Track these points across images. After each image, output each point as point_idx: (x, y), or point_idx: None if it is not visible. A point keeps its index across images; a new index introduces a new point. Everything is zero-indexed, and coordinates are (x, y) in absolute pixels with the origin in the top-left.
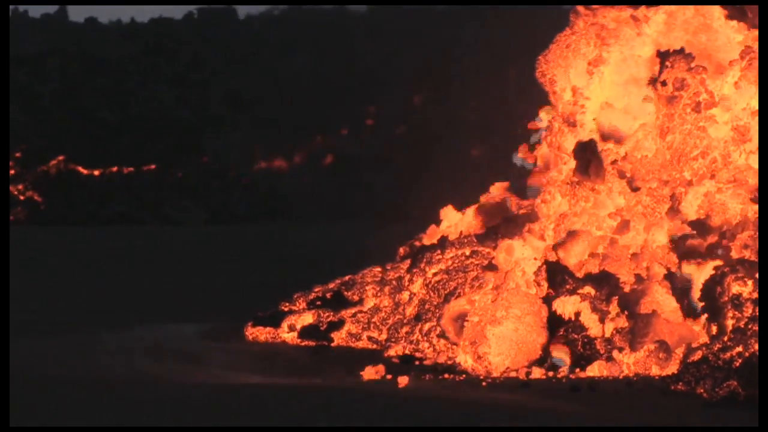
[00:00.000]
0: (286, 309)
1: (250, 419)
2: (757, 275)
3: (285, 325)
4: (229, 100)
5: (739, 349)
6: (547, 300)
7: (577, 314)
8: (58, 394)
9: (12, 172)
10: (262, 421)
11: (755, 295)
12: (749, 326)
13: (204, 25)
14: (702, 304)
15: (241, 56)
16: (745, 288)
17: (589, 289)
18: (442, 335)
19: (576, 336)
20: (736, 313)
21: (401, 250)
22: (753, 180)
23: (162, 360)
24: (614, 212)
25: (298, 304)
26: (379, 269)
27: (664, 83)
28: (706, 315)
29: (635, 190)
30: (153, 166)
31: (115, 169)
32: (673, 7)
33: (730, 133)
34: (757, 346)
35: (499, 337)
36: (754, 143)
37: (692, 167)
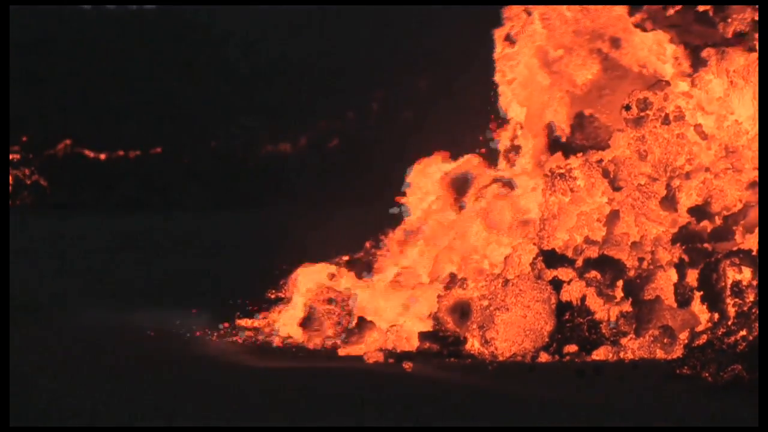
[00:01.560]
0: (273, 296)
1: (262, 404)
2: (752, 261)
3: (274, 313)
4: (236, 84)
5: (743, 333)
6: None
7: (583, 298)
8: (67, 379)
9: (17, 156)
10: (275, 404)
11: (755, 282)
12: (753, 310)
13: (211, 10)
14: (701, 293)
15: (248, 41)
16: (741, 275)
17: (594, 273)
18: (441, 325)
19: (581, 320)
20: (737, 300)
21: (367, 244)
22: (750, 167)
23: (164, 345)
24: (596, 208)
25: (284, 291)
26: (348, 258)
27: (627, 107)
28: (705, 303)
29: (617, 189)
30: (159, 150)
31: (121, 153)
32: (543, 10)
33: (719, 130)
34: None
35: (508, 323)
36: (748, 136)
37: (681, 174)
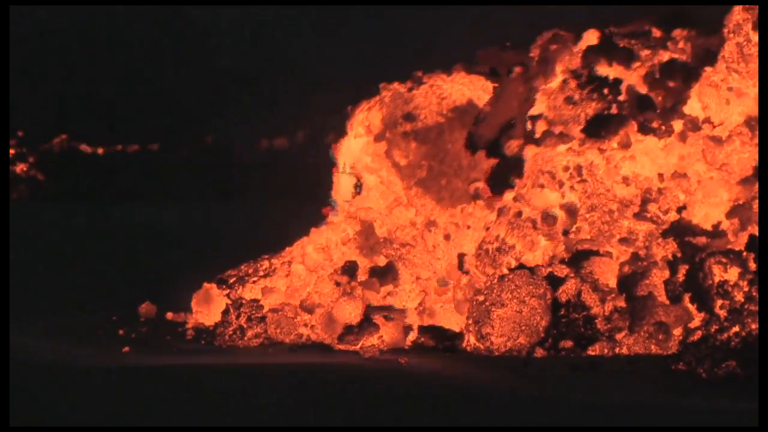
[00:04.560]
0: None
1: (255, 400)
2: (742, 261)
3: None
4: (233, 79)
5: (736, 329)
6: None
7: (578, 294)
8: (65, 376)
9: (13, 151)
10: (273, 401)
11: (742, 282)
12: (745, 307)
13: (209, 4)
14: (689, 294)
15: (246, 35)
16: (727, 274)
17: (590, 269)
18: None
19: (577, 315)
20: (725, 301)
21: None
22: (738, 166)
23: (149, 344)
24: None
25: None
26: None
27: (549, 218)
28: (695, 304)
29: (565, 233)
30: (157, 145)
31: (119, 147)
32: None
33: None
34: (753, 326)
35: (503, 318)
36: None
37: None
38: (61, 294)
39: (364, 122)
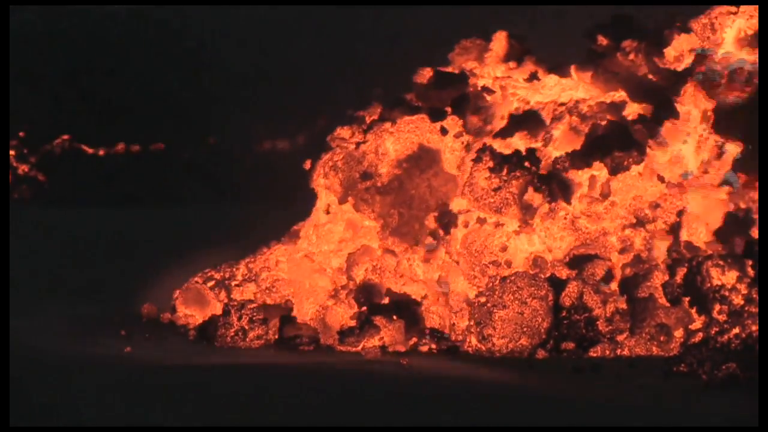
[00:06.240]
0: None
1: (256, 402)
2: (740, 264)
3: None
4: (235, 81)
5: (736, 331)
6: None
7: (580, 296)
8: (65, 375)
9: (14, 152)
10: (271, 403)
11: (740, 285)
12: (746, 308)
13: (210, 6)
14: (688, 297)
15: (247, 37)
16: (725, 278)
17: (592, 271)
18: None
19: (578, 317)
20: (723, 306)
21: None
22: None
23: (147, 345)
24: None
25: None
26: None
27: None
28: (694, 307)
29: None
30: (159, 146)
31: (121, 149)
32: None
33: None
34: (754, 328)
35: (505, 320)
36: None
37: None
38: (61, 294)
39: (325, 187)
